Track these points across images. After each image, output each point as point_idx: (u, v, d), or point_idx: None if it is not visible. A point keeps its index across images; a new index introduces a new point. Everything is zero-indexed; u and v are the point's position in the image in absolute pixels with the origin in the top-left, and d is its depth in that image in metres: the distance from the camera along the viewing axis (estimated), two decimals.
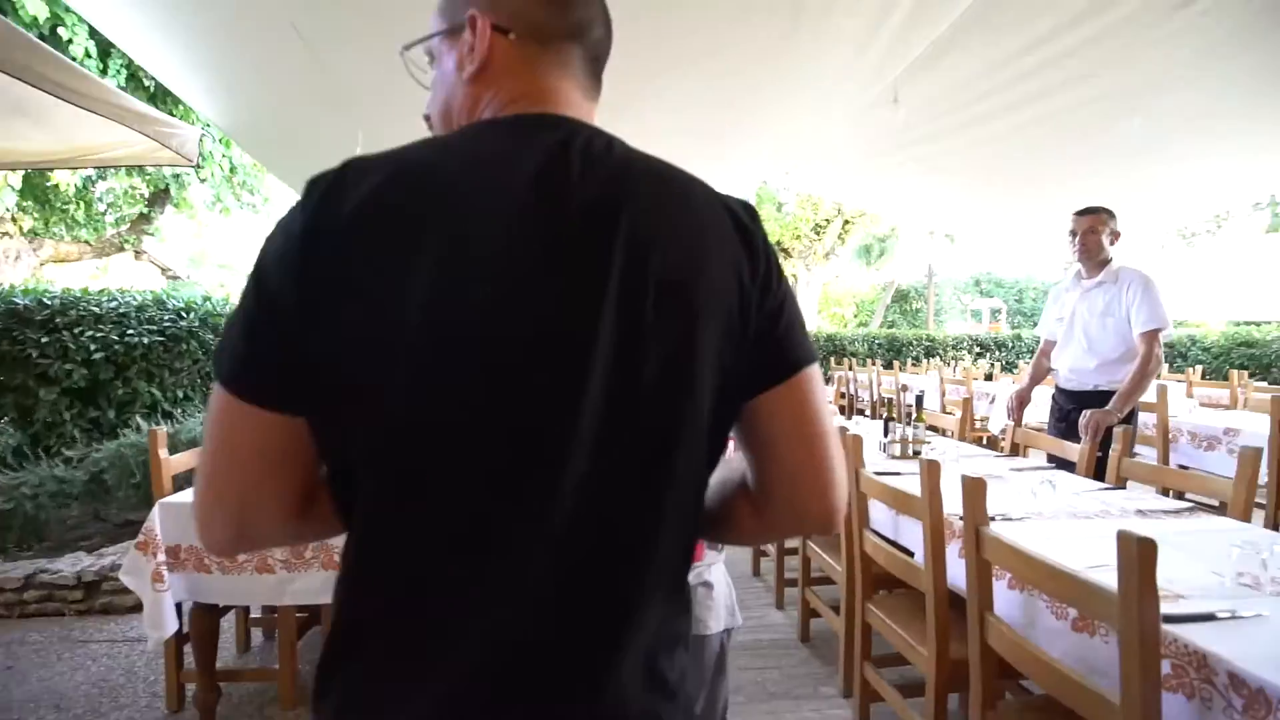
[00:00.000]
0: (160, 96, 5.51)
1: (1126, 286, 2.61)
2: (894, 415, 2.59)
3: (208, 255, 21.93)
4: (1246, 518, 1.65)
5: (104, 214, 8.20)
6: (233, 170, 8.49)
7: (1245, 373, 5.11)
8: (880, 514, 2.00)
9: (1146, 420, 3.51)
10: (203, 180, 7.89)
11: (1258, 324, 8.05)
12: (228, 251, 21.45)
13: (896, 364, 7.31)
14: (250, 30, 2.91)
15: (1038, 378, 3.02)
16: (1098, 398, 2.64)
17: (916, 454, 2.47)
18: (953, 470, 2.20)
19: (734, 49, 3.30)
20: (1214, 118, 4.13)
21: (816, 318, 15.51)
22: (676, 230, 0.54)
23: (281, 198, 8.42)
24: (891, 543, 1.98)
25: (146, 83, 5.67)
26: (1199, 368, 6.39)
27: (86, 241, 8.13)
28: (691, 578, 1.24)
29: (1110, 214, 2.71)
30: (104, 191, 8.18)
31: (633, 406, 0.50)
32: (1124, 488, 1.98)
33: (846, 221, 13.25)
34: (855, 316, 18.79)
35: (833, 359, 8.81)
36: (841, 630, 2.12)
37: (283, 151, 4.28)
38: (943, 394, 5.88)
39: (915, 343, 9.35)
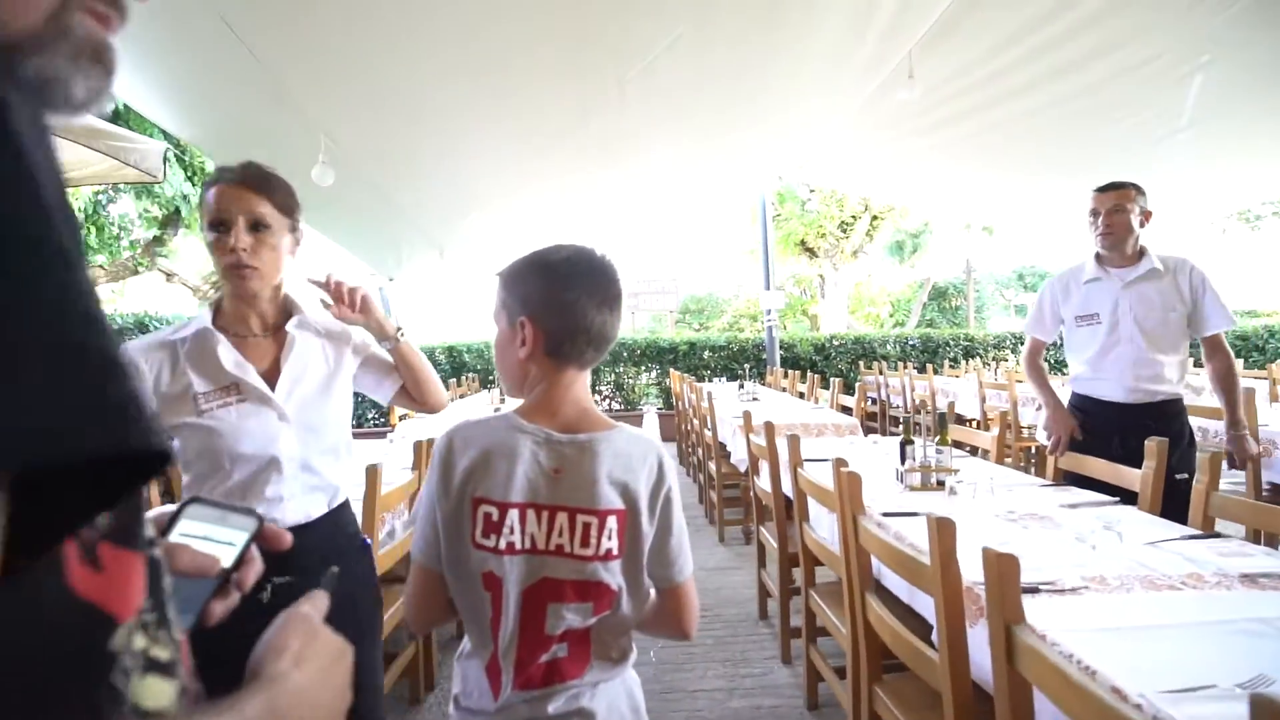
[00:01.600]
0: (124, 114, 5.39)
1: (1186, 276, 2.25)
2: (912, 435, 2.14)
3: None
4: None
5: (117, 237, 8.24)
6: None
7: None
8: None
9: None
10: None
11: None
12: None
13: (930, 367, 6.75)
14: (186, 33, 2.70)
15: (1050, 384, 2.50)
16: (1160, 410, 2.22)
17: (941, 484, 2.03)
18: (984, 512, 1.76)
19: (715, 24, 2.94)
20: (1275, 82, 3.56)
21: (848, 317, 14.87)
22: None
23: None
24: (906, 608, 1.56)
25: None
26: None
27: (100, 265, 8.17)
28: (556, 707, 0.86)
29: (1139, 190, 2.27)
30: (117, 215, 8.22)
31: None
32: (1213, 534, 1.51)
33: (875, 217, 12.64)
34: (891, 316, 18.03)
35: (860, 363, 8.26)
36: (849, 708, 1.70)
37: (254, 157, 4.08)
38: (982, 400, 5.34)
39: (952, 343, 8.70)
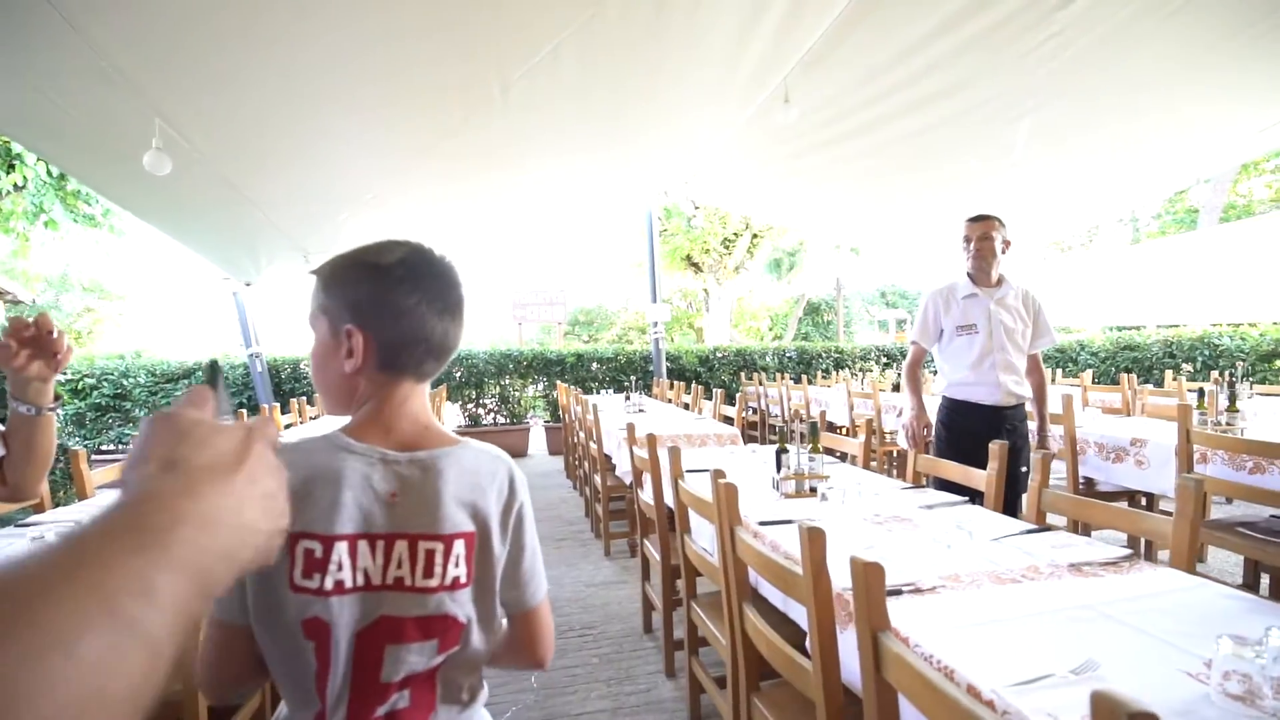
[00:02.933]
0: None
1: (1031, 300, 2.68)
2: (786, 444, 2.21)
3: (71, 276, 19.49)
4: (1191, 568, 1.35)
5: None
6: (62, 177, 7.37)
7: (1133, 376, 5.18)
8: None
9: (1053, 432, 3.35)
10: (18, 187, 6.76)
11: (1136, 328, 8.43)
12: (98, 271, 19.13)
13: (805, 378, 7.14)
14: None
15: (921, 391, 2.85)
16: (1018, 411, 2.66)
17: (814, 490, 2.10)
18: (853, 516, 1.84)
19: (598, 34, 2.93)
20: (1092, 127, 4.12)
21: (731, 330, 15.48)
22: None
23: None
24: (781, 615, 1.58)
25: None
26: (1089, 372, 6.56)
27: None
28: None
29: (1001, 222, 2.67)
30: None
31: None
32: (1046, 527, 1.66)
33: (755, 235, 13.28)
34: (770, 330, 18.98)
35: (742, 374, 8.59)
36: (729, 719, 1.70)
37: (76, 146, 3.52)
38: (850, 408, 5.70)
39: (824, 355, 9.29)
